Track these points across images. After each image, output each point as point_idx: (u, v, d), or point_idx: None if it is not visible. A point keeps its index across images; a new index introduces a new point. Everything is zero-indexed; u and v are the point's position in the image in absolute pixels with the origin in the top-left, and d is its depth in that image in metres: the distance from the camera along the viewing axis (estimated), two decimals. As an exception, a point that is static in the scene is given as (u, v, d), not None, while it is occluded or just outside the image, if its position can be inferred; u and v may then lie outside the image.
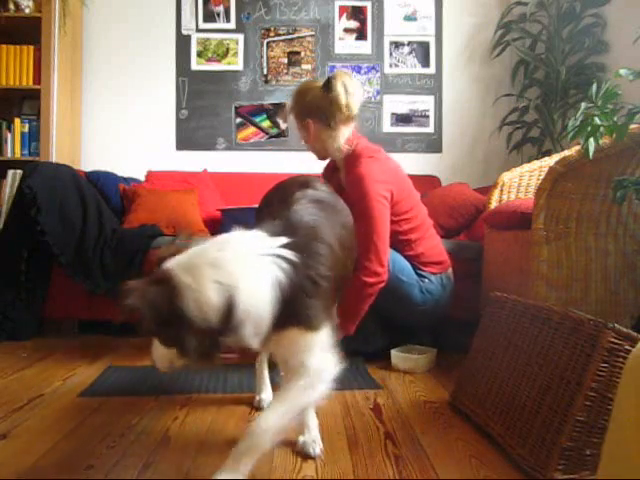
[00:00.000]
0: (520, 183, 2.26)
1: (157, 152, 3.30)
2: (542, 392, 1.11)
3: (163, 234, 2.48)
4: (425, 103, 3.37)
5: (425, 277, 1.94)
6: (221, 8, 3.33)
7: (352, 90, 1.85)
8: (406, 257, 1.93)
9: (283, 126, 3.36)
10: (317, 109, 1.85)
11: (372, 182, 1.80)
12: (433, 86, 3.37)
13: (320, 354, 1.06)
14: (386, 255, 1.80)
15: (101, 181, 2.71)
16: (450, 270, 2.02)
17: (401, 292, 1.88)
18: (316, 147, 1.94)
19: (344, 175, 1.94)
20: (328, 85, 1.84)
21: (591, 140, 1.32)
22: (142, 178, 3.08)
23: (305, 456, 1.14)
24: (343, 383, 1.65)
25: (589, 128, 1.30)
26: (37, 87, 2.93)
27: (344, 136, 1.90)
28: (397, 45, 3.38)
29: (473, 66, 3.37)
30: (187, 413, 1.40)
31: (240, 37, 3.34)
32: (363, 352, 1.94)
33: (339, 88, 1.83)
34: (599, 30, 2.86)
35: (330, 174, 2.05)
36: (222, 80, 3.33)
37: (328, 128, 1.87)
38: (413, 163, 3.17)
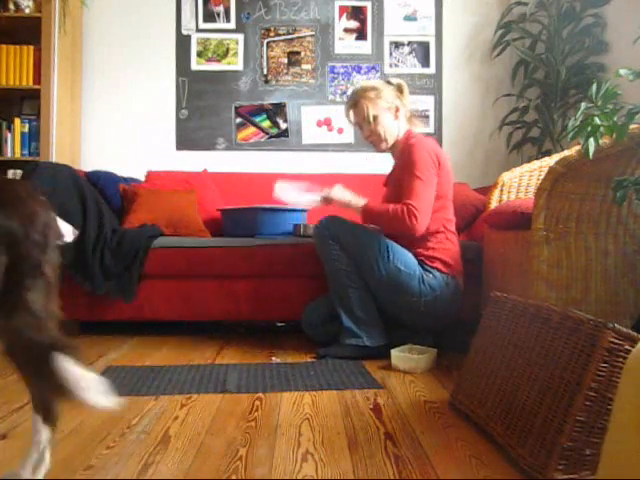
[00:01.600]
0: (520, 183, 2.27)
1: (157, 152, 3.30)
2: (542, 392, 1.11)
3: (163, 234, 2.48)
4: (425, 103, 3.37)
5: (429, 271, 1.96)
6: (221, 8, 3.33)
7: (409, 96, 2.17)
8: (415, 251, 1.98)
9: (283, 126, 3.36)
10: (392, 103, 2.08)
11: (422, 150, 1.97)
12: (433, 86, 3.37)
13: None
14: (428, 211, 1.93)
15: (101, 181, 2.71)
16: (460, 278, 2.04)
17: (399, 281, 1.93)
18: (384, 136, 2.08)
19: (397, 156, 2.13)
20: (400, 88, 2.14)
21: (591, 140, 1.32)
22: (142, 178, 3.08)
23: None
24: (343, 383, 1.66)
25: (589, 128, 1.30)
26: (37, 87, 2.94)
27: (404, 128, 2.13)
28: (397, 45, 3.38)
29: (473, 66, 3.37)
30: (187, 413, 1.40)
31: (240, 37, 3.34)
32: (364, 348, 1.95)
33: (405, 91, 2.14)
34: (599, 30, 2.86)
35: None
36: (222, 80, 3.33)
37: (397, 120, 2.09)
38: (413, 163, 3.17)
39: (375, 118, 2.05)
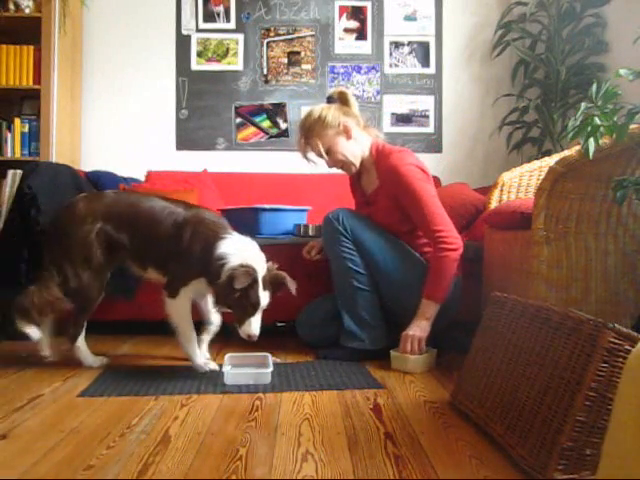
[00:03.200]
0: (520, 183, 2.27)
1: (157, 152, 3.30)
2: (542, 392, 1.11)
3: (163, 234, 2.48)
4: (425, 103, 3.38)
5: None
6: (221, 8, 3.33)
7: (355, 101, 2.04)
8: (422, 254, 1.95)
9: (283, 126, 3.36)
10: (339, 124, 1.95)
11: (406, 165, 1.90)
12: (433, 86, 3.37)
13: None
14: (450, 222, 1.89)
15: (101, 181, 2.70)
16: (460, 278, 2.03)
17: (413, 285, 1.89)
18: (347, 160, 1.99)
19: (375, 175, 2.01)
20: (342, 98, 2.01)
21: (591, 140, 1.32)
22: (142, 178, 3.08)
23: None
24: (343, 383, 1.66)
25: (589, 128, 1.30)
26: (37, 87, 2.94)
27: (368, 141, 2.02)
28: (397, 45, 3.38)
29: (473, 66, 3.37)
30: (187, 413, 1.40)
31: (240, 37, 3.34)
32: (366, 350, 1.95)
33: (351, 99, 2.01)
34: (599, 30, 2.86)
35: (354, 187, 2.17)
36: (222, 80, 3.34)
37: (348, 139, 1.97)
38: (413, 163, 3.17)
39: (329, 150, 1.96)
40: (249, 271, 1.60)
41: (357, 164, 2.01)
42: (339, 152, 1.96)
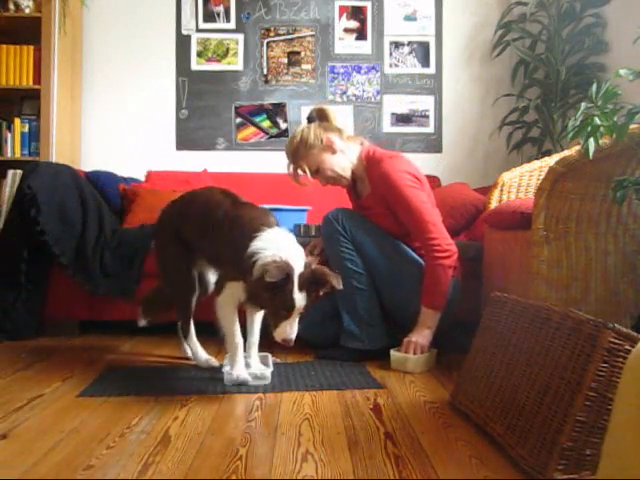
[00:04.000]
0: (520, 183, 2.26)
1: (157, 152, 3.30)
2: (542, 392, 1.11)
3: (163, 234, 2.48)
4: (425, 103, 3.37)
5: None
6: (221, 8, 3.33)
7: (335, 114, 2.03)
8: (421, 256, 1.94)
9: (283, 126, 3.36)
10: (321, 141, 1.95)
11: (396, 172, 1.89)
12: (433, 86, 3.37)
13: None
14: (443, 227, 1.89)
15: (101, 181, 2.70)
16: (459, 279, 2.02)
17: (414, 287, 1.88)
18: (337, 175, 1.99)
19: (367, 183, 2.00)
20: (320, 116, 2.00)
21: (591, 140, 1.32)
22: (142, 178, 3.08)
23: None
24: (343, 383, 1.66)
25: (589, 128, 1.30)
26: (37, 87, 2.94)
27: (355, 150, 2.01)
28: (397, 45, 3.38)
29: (473, 66, 3.37)
30: (187, 413, 1.40)
31: (240, 37, 3.34)
32: (365, 351, 1.94)
33: (330, 114, 2.00)
34: (599, 30, 2.86)
35: (350, 193, 2.16)
36: (222, 80, 3.33)
37: (338, 153, 1.97)
38: (413, 163, 3.17)
39: (318, 169, 1.97)
40: (282, 266, 1.43)
41: (348, 176, 2.01)
42: (327, 169, 1.97)
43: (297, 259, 1.49)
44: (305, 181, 2.05)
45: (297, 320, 1.49)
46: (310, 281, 1.48)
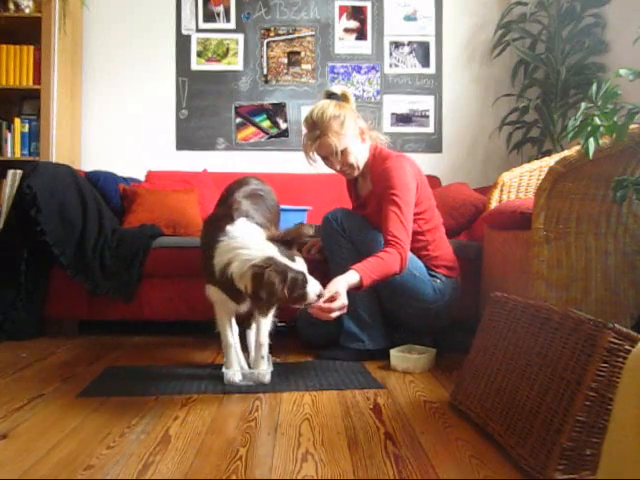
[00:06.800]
0: (520, 183, 2.26)
1: (157, 152, 3.30)
2: (542, 392, 1.11)
3: (163, 234, 2.48)
4: (425, 103, 3.37)
5: (437, 277, 1.95)
6: (221, 8, 3.33)
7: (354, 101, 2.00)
8: (420, 257, 1.94)
9: (283, 126, 3.36)
10: (356, 127, 1.91)
11: (399, 169, 1.86)
12: (433, 86, 3.37)
13: None
14: (408, 239, 1.81)
15: (101, 181, 2.71)
16: (458, 280, 2.02)
17: (415, 288, 1.89)
18: (356, 164, 1.93)
19: (369, 177, 1.98)
20: (344, 97, 1.94)
21: (591, 140, 1.32)
22: (142, 178, 3.08)
23: None
24: (343, 383, 1.66)
25: (589, 128, 1.30)
26: (37, 87, 2.94)
27: (369, 145, 1.99)
28: (397, 45, 3.38)
29: (473, 66, 3.37)
30: (187, 413, 1.40)
31: (240, 37, 3.34)
32: (365, 351, 1.94)
33: (352, 98, 1.96)
34: (599, 30, 2.86)
35: (350, 190, 2.15)
36: (222, 80, 3.33)
37: (363, 141, 1.95)
38: (413, 163, 3.17)
39: (344, 151, 1.87)
40: (263, 272, 1.41)
41: (361, 168, 1.96)
42: (352, 154, 1.90)
43: (265, 250, 1.47)
44: (314, 157, 1.95)
45: (314, 279, 1.53)
46: (289, 246, 1.52)
